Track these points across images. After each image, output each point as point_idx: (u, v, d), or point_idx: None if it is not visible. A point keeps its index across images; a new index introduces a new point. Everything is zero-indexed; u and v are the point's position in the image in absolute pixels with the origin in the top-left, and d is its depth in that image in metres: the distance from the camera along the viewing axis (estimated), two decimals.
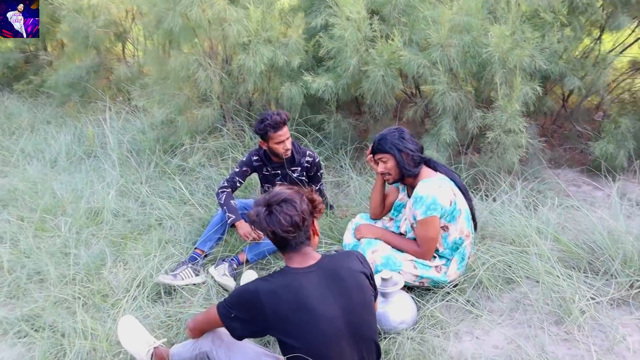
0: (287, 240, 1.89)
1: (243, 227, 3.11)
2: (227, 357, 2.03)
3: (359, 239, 2.91)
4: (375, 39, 3.90)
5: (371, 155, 2.86)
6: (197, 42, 4.31)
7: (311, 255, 1.93)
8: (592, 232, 2.88)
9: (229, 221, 3.15)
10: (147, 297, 2.91)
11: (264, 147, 3.25)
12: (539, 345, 2.34)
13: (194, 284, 3.00)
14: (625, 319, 2.46)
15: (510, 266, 2.76)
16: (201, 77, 4.20)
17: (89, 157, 4.95)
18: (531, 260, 2.72)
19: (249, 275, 2.98)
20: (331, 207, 3.63)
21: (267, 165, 3.35)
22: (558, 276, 2.60)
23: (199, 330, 2.09)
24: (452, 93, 3.71)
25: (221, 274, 3.01)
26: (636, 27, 4.14)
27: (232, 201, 3.23)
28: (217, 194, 3.27)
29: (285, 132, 3.17)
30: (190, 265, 3.08)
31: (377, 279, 2.59)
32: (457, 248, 2.72)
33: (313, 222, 1.97)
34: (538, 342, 2.36)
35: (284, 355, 1.86)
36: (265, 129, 3.13)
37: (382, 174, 2.79)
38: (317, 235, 2.02)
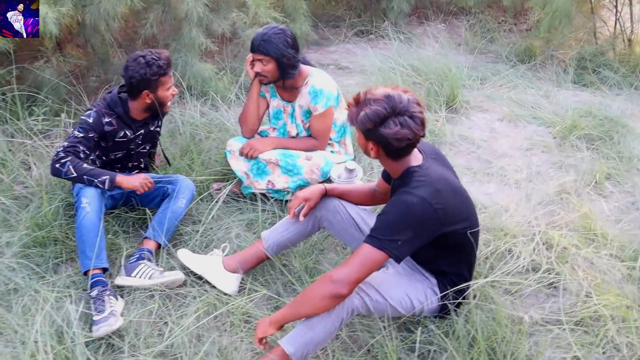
0: (417, 142, 1.81)
1: (130, 179, 2.37)
2: (385, 296, 1.85)
3: (253, 157, 2.71)
4: None
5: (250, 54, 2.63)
6: None
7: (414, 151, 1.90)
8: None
9: (107, 185, 2.30)
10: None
11: (149, 100, 2.41)
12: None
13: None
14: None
15: None
16: None
17: None
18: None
19: (185, 255, 2.35)
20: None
21: (129, 126, 2.50)
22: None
23: (356, 283, 1.76)
24: None
25: (159, 273, 2.26)
26: None
27: (85, 165, 2.32)
28: (57, 170, 2.29)
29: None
30: (108, 292, 2.14)
31: (340, 170, 2.62)
32: (344, 129, 2.95)
33: None
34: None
35: (449, 244, 1.86)
36: (160, 71, 2.36)
37: (258, 74, 2.63)
38: None
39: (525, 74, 4.09)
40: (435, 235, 1.80)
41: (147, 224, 2.52)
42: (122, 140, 2.53)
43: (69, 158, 2.29)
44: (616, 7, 4.33)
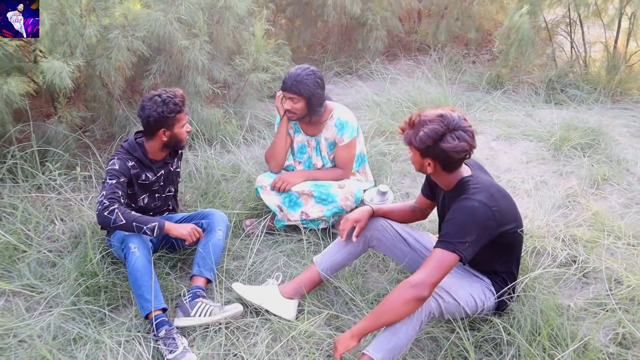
0: (472, 152, 2.00)
1: (178, 227, 2.39)
2: (455, 297, 2.01)
3: (286, 190, 2.84)
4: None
5: (281, 91, 2.80)
6: None
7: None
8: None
9: (155, 232, 2.32)
10: None
11: (165, 138, 2.47)
12: None
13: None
14: None
15: None
16: None
17: None
18: None
19: (241, 287, 2.41)
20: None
21: (150, 168, 2.55)
22: None
23: (435, 285, 1.89)
24: (206, 45, 3.64)
25: (219, 309, 2.30)
26: None
27: (132, 212, 2.34)
28: (106, 218, 2.27)
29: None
30: (175, 331, 2.18)
31: (372, 194, 2.79)
32: (363, 159, 3.12)
33: None
34: None
35: (503, 244, 2.03)
36: (176, 108, 2.41)
37: (288, 110, 2.79)
38: None
39: (501, 98, 4.48)
40: (494, 235, 1.98)
41: (191, 262, 2.57)
42: (144, 183, 2.56)
43: (116, 205, 2.30)
44: (570, 34, 4.84)
